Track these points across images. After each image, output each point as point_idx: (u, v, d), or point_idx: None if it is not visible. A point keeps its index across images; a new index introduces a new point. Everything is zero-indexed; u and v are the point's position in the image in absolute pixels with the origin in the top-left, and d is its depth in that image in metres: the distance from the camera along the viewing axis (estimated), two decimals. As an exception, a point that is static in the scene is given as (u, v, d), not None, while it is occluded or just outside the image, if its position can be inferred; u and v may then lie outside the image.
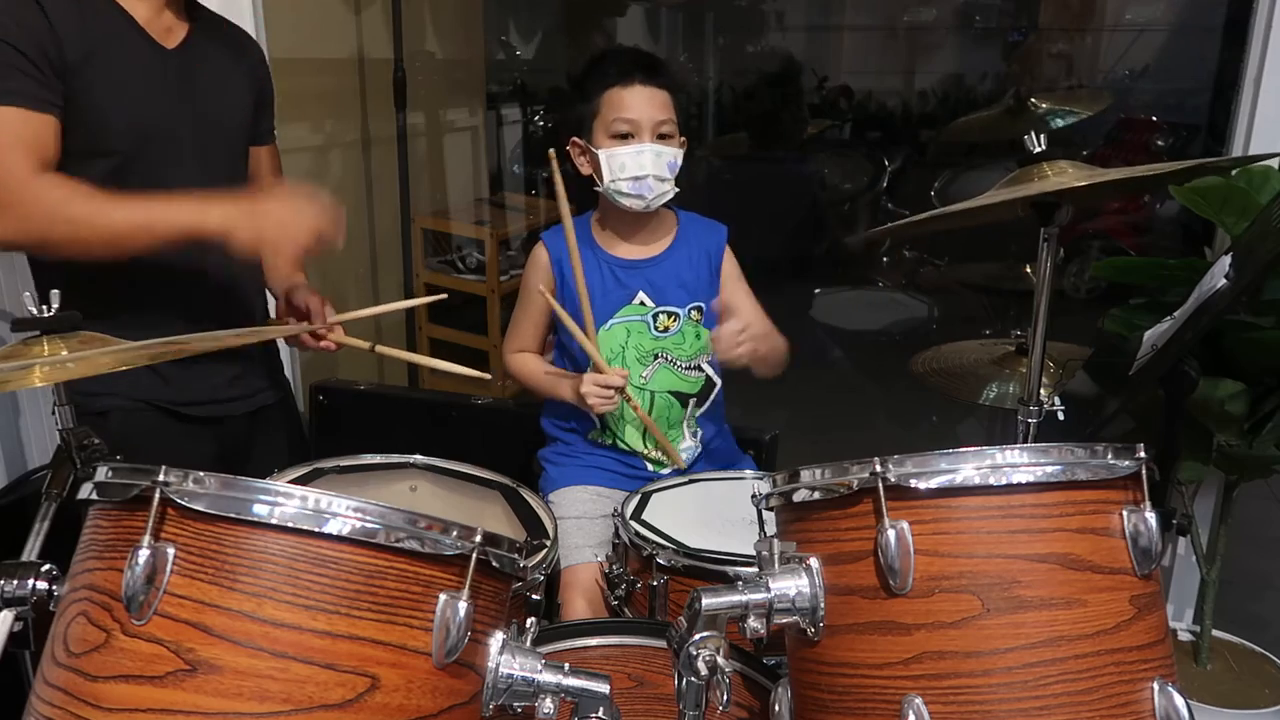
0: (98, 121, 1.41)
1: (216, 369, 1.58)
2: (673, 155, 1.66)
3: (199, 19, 1.56)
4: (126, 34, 1.44)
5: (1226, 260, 1.25)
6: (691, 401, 1.78)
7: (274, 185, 1.70)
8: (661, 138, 1.65)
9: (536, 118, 4.33)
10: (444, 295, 1.93)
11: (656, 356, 1.75)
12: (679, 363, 1.76)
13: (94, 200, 1.34)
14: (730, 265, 1.81)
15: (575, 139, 1.71)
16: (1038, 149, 1.26)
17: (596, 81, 1.68)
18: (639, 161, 1.64)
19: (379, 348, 1.62)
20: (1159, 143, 4.38)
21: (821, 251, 5.21)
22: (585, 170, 1.72)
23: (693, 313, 1.77)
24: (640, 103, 1.64)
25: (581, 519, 1.67)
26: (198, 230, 1.35)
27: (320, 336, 1.57)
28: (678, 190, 1.70)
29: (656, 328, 1.75)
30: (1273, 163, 1.78)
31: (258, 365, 1.69)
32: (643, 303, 1.75)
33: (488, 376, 1.56)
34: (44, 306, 0.99)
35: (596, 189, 1.71)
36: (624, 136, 1.65)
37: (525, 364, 1.83)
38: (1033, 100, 2.80)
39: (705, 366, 1.78)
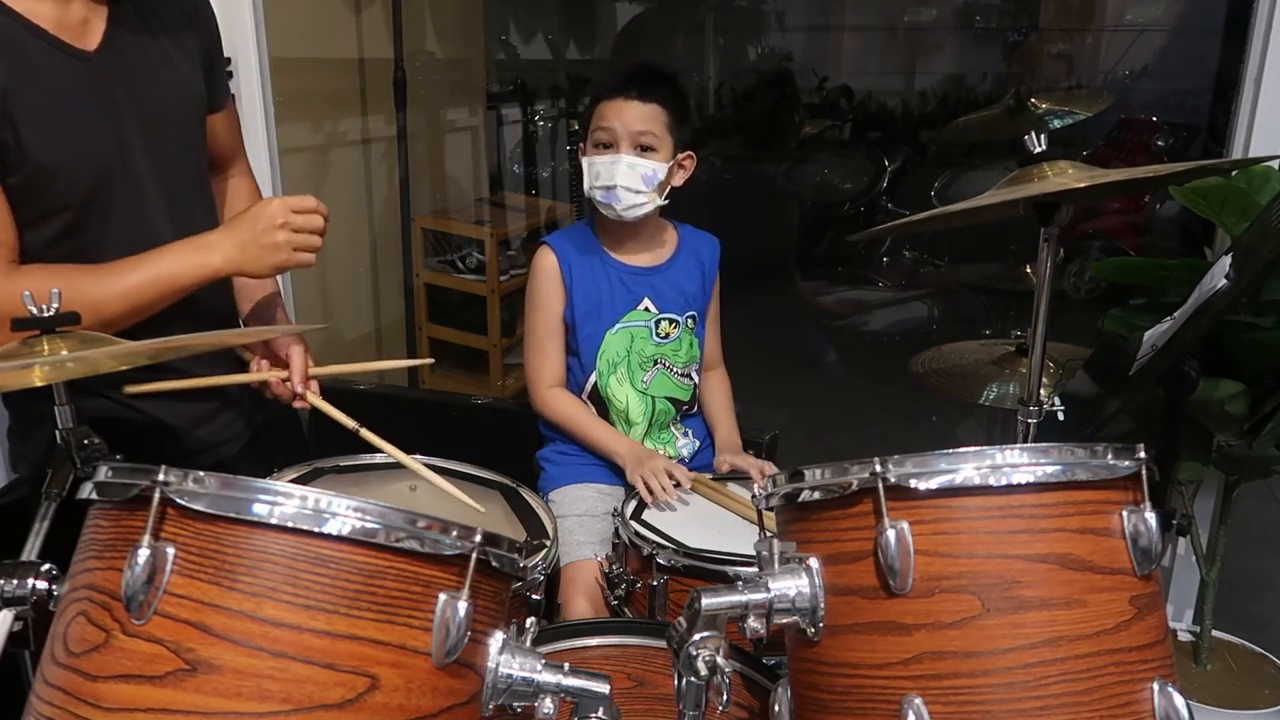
0: (38, 175, 1.18)
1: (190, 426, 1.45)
2: (650, 168, 1.65)
3: None
4: (39, 52, 1.18)
5: (1226, 261, 1.25)
6: (683, 407, 1.81)
7: (249, 200, 1.53)
8: (643, 149, 1.65)
9: (537, 118, 4.32)
10: (430, 360, 1.89)
11: (656, 362, 1.77)
12: (675, 369, 1.79)
13: (87, 279, 1.17)
14: (716, 278, 1.86)
15: (582, 145, 1.74)
16: (1038, 149, 1.26)
17: (596, 92, 1.71)
18: (611, 171, 1.65)
19: (364, 432, 1.42)
20: (1159, 143, 4.38)
21: (821, 252, 5.21)
22: None
23: (689, 320, 1.80)
24: (622, 114, 1.65)
25: (584, 516, 1.68)
26: (207, 280, 1.26)
27: (297, 395, 1.43)
28: (665, 203, 1.71)
29: (658, 334, 1.77)
30: (1273, 163, 1.78)
31: (231, 409, 1.52)
32: (647, 309, 1.76)
33: (481, 509, 1.44)
34: (44, 306, 0.98)
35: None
36: (604, 146, 1.67)
37: (567, 407, 1.77)
38: (1033, 100, 2.80)
39: (694, 375, 1.82)
